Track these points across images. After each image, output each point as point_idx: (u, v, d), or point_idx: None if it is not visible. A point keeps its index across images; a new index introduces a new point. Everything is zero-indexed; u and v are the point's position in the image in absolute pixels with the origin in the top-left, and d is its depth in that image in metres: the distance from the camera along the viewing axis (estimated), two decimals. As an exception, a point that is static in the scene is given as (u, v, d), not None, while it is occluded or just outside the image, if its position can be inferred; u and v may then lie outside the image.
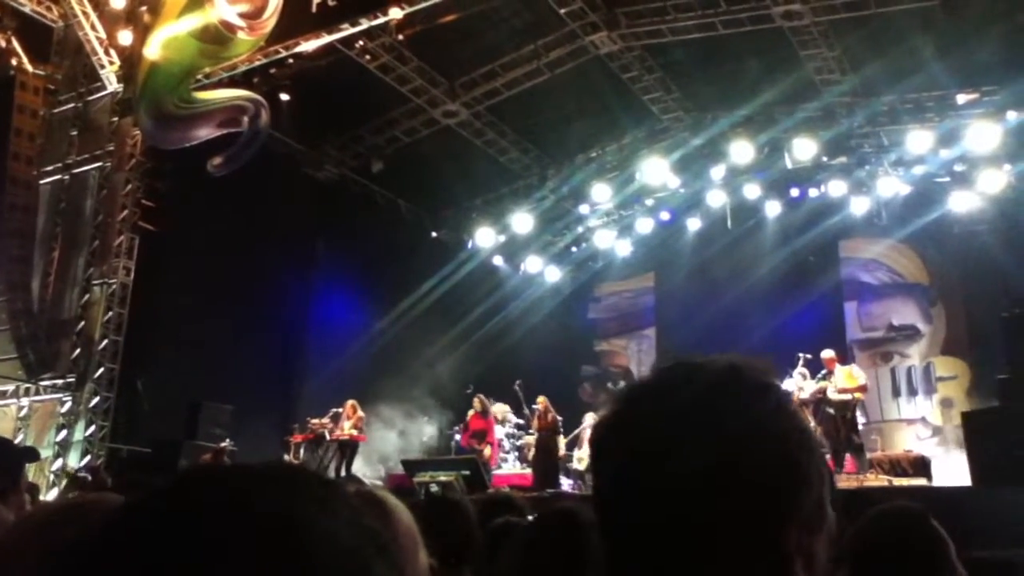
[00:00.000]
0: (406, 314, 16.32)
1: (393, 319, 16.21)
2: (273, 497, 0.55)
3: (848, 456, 11.13)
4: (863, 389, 11.37)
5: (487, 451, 13.00)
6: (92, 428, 12.86)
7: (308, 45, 12.51)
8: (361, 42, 13.11)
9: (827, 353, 11.53)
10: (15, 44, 14.34)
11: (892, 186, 14.99)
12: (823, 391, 11.26)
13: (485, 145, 16.33)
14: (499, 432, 14.42)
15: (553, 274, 18.97)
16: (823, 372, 11.39)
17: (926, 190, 14.91)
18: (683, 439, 0.84)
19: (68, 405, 13.09)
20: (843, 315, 16.25)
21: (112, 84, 14.23)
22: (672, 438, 0.85)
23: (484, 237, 17.44)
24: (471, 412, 13.75)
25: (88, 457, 12.67)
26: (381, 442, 15.34)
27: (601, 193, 16.34)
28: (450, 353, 17.06)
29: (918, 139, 13.76)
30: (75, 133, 14.75)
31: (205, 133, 12.66)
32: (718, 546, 0.82)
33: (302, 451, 13.34)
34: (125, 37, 13.91)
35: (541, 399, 12.84)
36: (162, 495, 0.55)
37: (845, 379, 11.28)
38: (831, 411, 11.07)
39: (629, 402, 0.92)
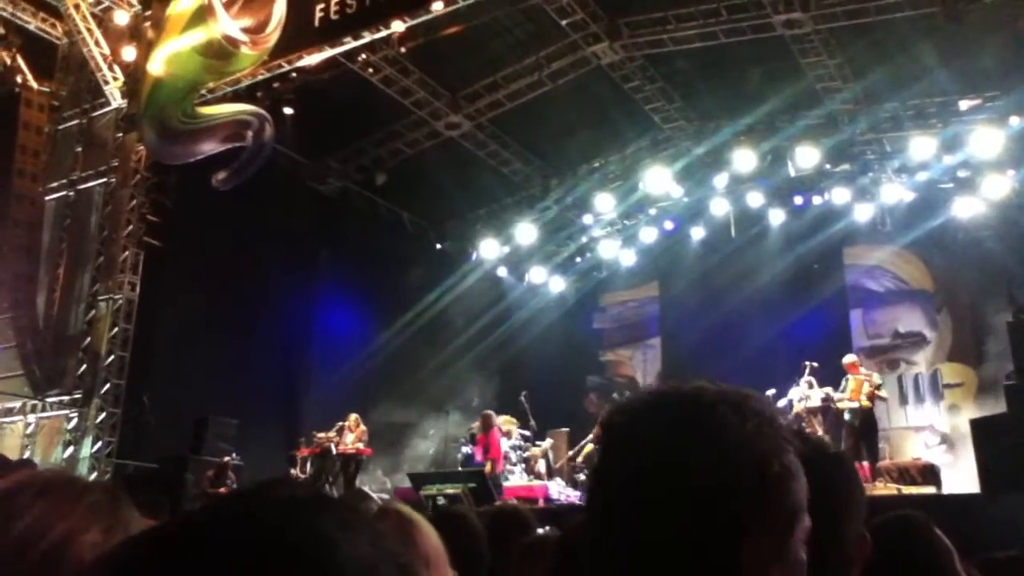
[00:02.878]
0: (410, 326, 16.31)
1: (397, 331, 16.19)
2: (296, 519, 0.55)
3: (860, 464, 11.06)
4: (871, 397, 11.30)
5: (487, 466, 12.98)
6: (99, 444, 12.84)
7: (311, 59, 12.54)
8: (363, 55, 13.16)
9: (848, 358, 11.70)
10: (20, 61, 14.42)
11: (896, 193, 14.97)
12: (830, 398, 11.21)
13: (488, 156, 16.35)
14: (504, 444, 14.38)
15: (557, 284, 18.94)
16: (846, 379, 11.39)
17: (930, 196, 14.87)
18: (676, 460, 0.88)
19: (75, 421, 13.08)
20: (848, 322, 16.20)
21: (116, 100, 14.29)
22: (667, 458, 0.88)
23: (488, 248, 17.44)
24: (478, 427, 13.72)
25: (95, 474, 12.65)
26: (386, 455, 15.32)
27: (604, 203, 16.35)
28: (455, 365, 17.03)
29: (921, 145, 13.72)
30: (80, 149, 14.80)
31: (209, 148, 12.68)
32: (708, 560, 0.86)
33: (308, 465, 13.32)
34: (129, 53, 13.97)
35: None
36: (185, 520, 0.56)
37: (851, 390, 11.22)
38: (838, 419, 11.02)
39: (620, 425, 0.96)
